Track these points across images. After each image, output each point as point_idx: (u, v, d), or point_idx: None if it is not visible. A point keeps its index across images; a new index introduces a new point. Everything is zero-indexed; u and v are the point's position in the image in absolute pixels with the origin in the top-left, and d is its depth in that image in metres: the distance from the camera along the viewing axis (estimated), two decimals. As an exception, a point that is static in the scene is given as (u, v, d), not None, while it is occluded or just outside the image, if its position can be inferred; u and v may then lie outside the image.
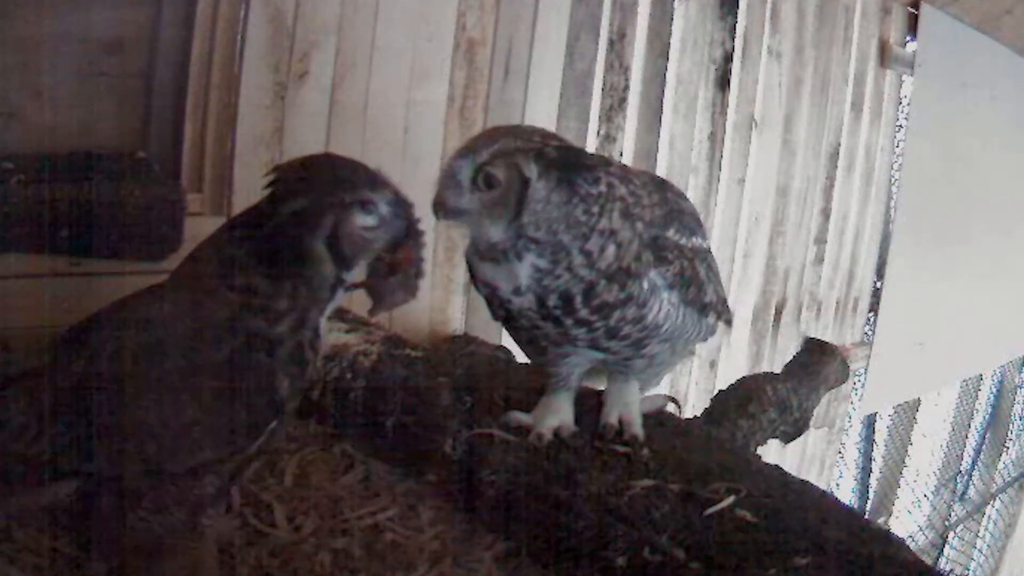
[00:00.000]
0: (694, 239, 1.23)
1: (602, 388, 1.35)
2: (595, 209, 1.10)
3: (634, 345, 1.20)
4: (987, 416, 6.04)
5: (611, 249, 1.11)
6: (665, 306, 1.18)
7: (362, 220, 0.99)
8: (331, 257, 0.98)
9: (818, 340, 3.29)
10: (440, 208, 1.12)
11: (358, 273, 1.03)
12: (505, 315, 1.18)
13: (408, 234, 1.03)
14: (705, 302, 1.25)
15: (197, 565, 1.03)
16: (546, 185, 1.08)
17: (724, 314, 1.33)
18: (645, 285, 1.15)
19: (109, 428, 0.91)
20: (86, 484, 0.95)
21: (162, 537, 0.96)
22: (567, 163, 1.09)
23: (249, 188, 1.71)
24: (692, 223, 1.24)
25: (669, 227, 1.18)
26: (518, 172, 1.08)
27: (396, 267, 1.04)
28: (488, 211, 1.10)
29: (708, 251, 1.28)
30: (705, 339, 1.33)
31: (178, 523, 0.97)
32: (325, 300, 0.99)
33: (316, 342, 1.01)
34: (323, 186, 0.99)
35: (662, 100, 2.63)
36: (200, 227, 1.65)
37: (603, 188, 1.11)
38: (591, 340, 1.17)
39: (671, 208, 1.21)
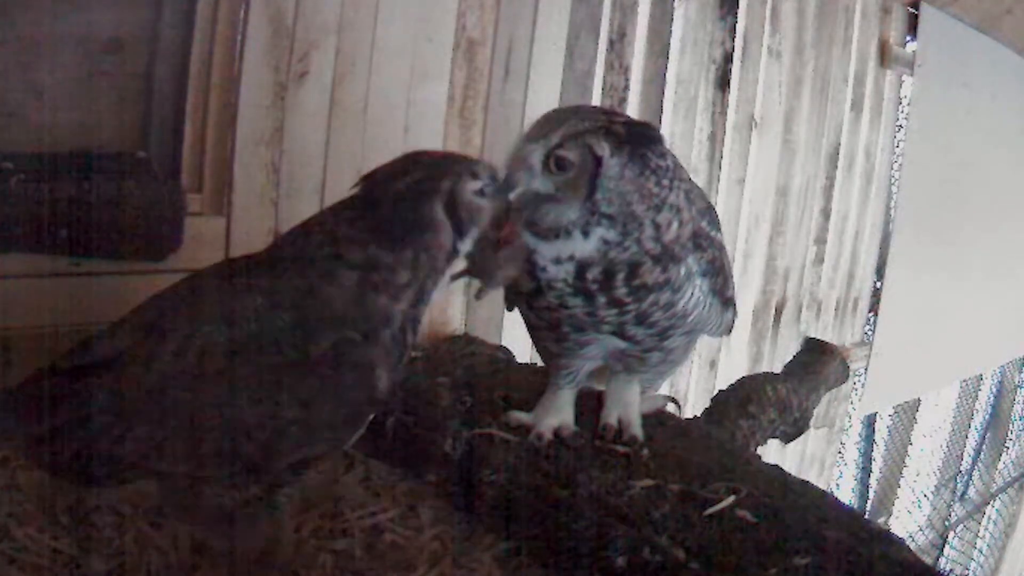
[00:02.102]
0: (718, 234, 1.24)
1: (602, 388, 1.35)
2: (665, 182, 1.11)
3: (659, 335, 1.20)
4: (987, 416, 6.04)
5: (675, 225, 1.13)
6: (696, 293, 1.19)
7: (473, 187, 1.01)
8: (451, 225, 0.99)
9: (818, 340, 3.29)
10: (512, 193, 1.11)
11: (469, 246, 1.04)
12: (533, 289, 1.16)
13: (510, 209, 1.06)
14: (728, 295, 1.25)
15: (269, 541, 1.03)
16: (619, 161, 1.09)
17: (735, 315, 1.33)
18: (683, 270, 1.16)
19: (203, 429, 0.89)
20: (167, 482, 0.94)
21: (233, 511, 0.95)
22: (636, 137, 1.11)
23: (249, 188, 1.72)
24: (717, 219, 1.26)
25: (704, 218, 1.20)
26: (590, 152, 1.09)
27: (503, 241, 1.06)
28: (562, 192, 1.10)
29: (725, 249, 1.29)
30: (721, 334, 1.34)
31: (252, 498, 0.95)
32: (443, 271, 1.00)
33: (417, 324, 1.00)
34: (433, 161, 1.03)
35: (662, 100, 2.63)
36: (200, 227, 1.66)
37: (670, 163, 1.13)
38: (618, 325, 1.17)
39: (707, 202, 1.24)
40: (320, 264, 0.94)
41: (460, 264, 1.07)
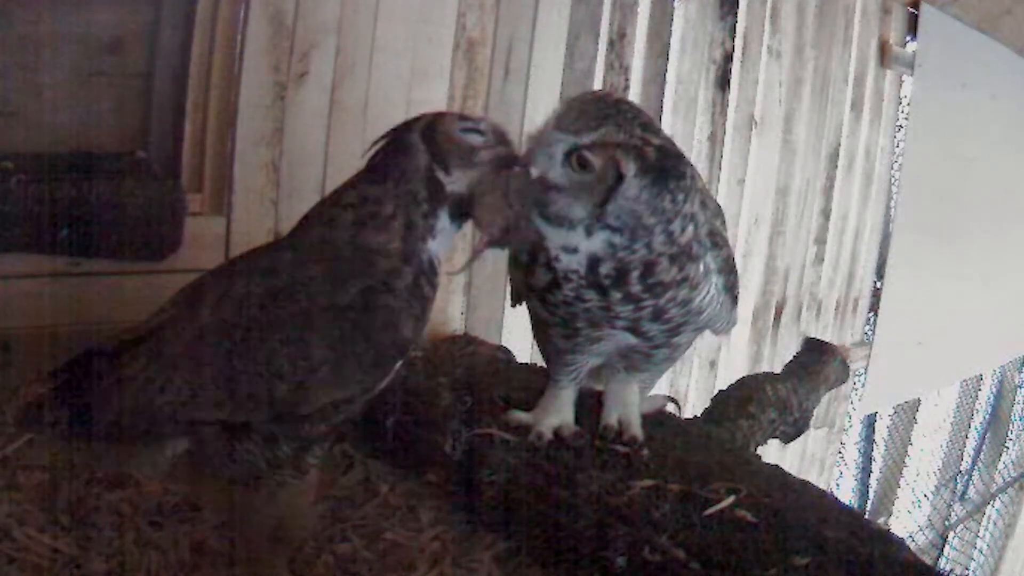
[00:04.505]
0: (726, 234, 1.25)
1: (602, 389, 1.35)
2: (680, 197, 1.11)
3: (670, 331, 1.20)
4: (987, 416, 6.04)
5: (689, 229, 1.12)
6: (712, 291, 1.19)
7: (461, 124, 1.05)
8: (426, 149, 1.02)
9: (818, 340, 3.29)
10: (528, 170, 1.10)
11: (461, 184, 1.04)
12: (548, 282, 1.15)
13: (514, 163, 1.07)
14: (736, 292, 1.26)
15: (287, 511, 1.05)
16: (639, 183, 1.08)
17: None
18: (701, 268, 1.16)
19: (238, 374, 0.93)
20: (203, 436, 0.97)
21: (264, 471, 0.98)
22: (663, 168, 1.09)
23: (249, 188, 1.72)
24: (724, 218, 1.26)
25: (718, 218, 1.21)
26: (615, 166, 1.08)
27: (494, 186, 1.05)
28: (575, 190, 1.09)
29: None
30: (727, 331, 1.34)
31: (284, 459, 0.99)
32: (423, 200, 1.02)
33: (434, 277, 1.03)
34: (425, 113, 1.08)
35: (662, 100, 2.63)
36: (200, 227, 1.66)
37: (688, 181, 1.12)
38: (633, 320, 1.16)
39: (716, 201, 1.25)
40: (327, 212, 1.02)
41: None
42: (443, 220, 1.04)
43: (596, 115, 1.10)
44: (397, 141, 1.03)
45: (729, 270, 1.22)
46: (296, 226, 1.07)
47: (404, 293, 0.99)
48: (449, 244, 1.06)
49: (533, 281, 1.17)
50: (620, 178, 1.07)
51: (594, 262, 1.11)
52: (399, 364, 1.00)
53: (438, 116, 1.05)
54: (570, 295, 1.14)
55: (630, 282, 1.12)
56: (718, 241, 1.19)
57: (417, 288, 1.00)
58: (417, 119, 1.06)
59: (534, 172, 1.09)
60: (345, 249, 0.98)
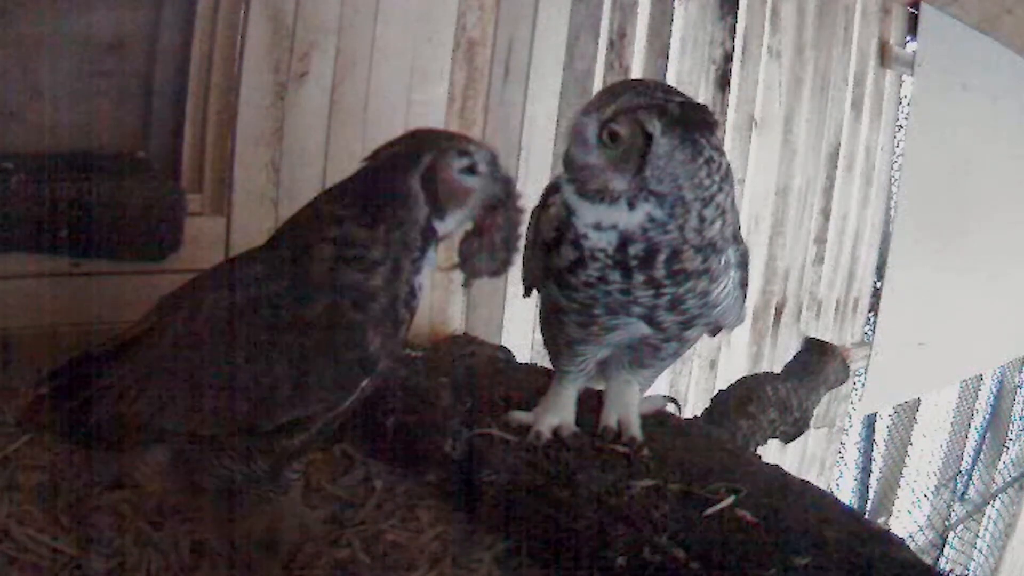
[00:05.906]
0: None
1: (602, 389, 1.35)
2: (717, 178, 1.11)
3: (684, 323, 1.20)
4: (987, 416, 6.04)
5: (718, 224, 1.13)
6: (730, 285, 1.20)
7: (459, 164, 1.00)
8: (425, 198, 0.98)
9: (818, 340, 3.29)
10: (570, 165, 1.13)
11: (452, 227, 1.02)
12: (575, 260, 1.15)
13: (504, 200, 1.04)
14: (746, 290, 1.26)
15: (276, 517, 1.05)
16: (669, 141, 1.09)
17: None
18: (722, 261, 1.17)
19: (202, 387, 0.93)
20: (179, 445, 0.97)
21: (242, 486, 0.98)
22: (689, 120, 1.10)
23: (249, 188, 1.72)
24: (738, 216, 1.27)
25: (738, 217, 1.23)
26: (641, 128, 1.09)
27: (483, 229, 1.04)
28: (613, 165, 1.10)
29: None
30: (734, 328, 1.34)
31: (261, 474, 0.98)
32: (416, 248, 0.98)
33: (412, 301, 1.00)
34: (422, 134, 1.02)
35: (662, 100, 2.62)
36: (200, 227, 1.66)
37: (726, 162, 1.12)
38: (651, 308, 1.16)
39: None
40: (303, 238, 0.97)
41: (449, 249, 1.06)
42: (430, 256, 1.01)
43: (615, 91, 1.13)
44: (394, 187, 0.97)
45: (745, 266, 1.23)
46: (275, 235, 1.03)
47: (375, 311, 0.96)
48: (432, 267, 1.02)
49: (557, 260, 1.17)
50: (649, 139, 1.09)
51: (625, 240, 1.11)
52: (365, 382, 0.97)
53: (439, 157, 0.99)
54: (594, 275, 1.14)
55: (655, 266, 1.12)
56: (739, 236, 1.20)
57: (392, 311, 0.98)
58: (417, 159, 0.98)
59: (575, 163, 1.11)
60: (320, 281, 0.95)
